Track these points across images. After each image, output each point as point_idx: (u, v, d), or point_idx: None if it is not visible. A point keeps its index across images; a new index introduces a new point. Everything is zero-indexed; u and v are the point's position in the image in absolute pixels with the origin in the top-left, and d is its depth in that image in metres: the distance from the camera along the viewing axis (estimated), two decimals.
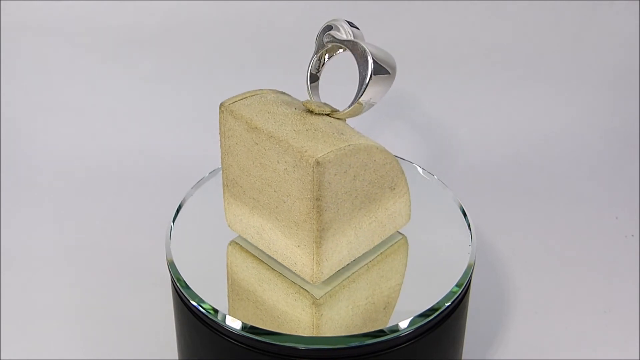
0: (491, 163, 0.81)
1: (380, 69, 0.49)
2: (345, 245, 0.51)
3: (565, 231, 0.74)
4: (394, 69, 0.50)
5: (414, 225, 0.55)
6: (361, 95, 0.49)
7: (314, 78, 0.53)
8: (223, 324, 0.49)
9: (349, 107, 0.50)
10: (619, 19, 0.84)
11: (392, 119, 0.83)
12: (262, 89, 0.53)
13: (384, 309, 0.50)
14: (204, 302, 0.50)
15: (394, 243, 0.55)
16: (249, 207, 0.53)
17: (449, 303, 0.51)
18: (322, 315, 0.50)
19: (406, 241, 0.55)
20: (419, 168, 0.62)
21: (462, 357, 0.58)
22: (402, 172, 0.52)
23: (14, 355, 0.62)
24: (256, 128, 0.50)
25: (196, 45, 0.83)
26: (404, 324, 0.49)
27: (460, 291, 0.51)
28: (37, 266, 0.69)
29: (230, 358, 0.50)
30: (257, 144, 0.50)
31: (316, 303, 0.51)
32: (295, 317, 0.50)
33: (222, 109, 0.51)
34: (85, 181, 0.79)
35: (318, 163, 0.47)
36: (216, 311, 0.50)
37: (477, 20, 0.84)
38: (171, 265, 0.53)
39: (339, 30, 0.51)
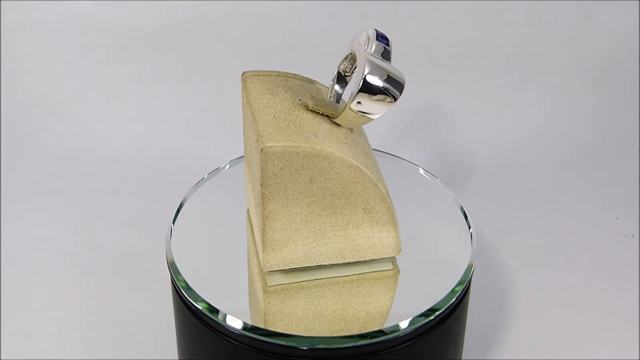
0: (491, 163, 0.81)
1: (378, 89, 0.47)
2: (300, 246, 0.50)
3: (565, 231, 0.74)
4: (396, 92, 0.47)
5: (415, 225, 0.55)
6: (345, 109, 0.48)
7: (343, 78, 0.52)
8: (223, 324, 0.49)
9: (339, 114, 0.50)
10: (618, 19, 0.84)
11: (392, 120, 0.83)
12: (296, 74, 0.53)
13: (359, 332, 0.49)
14: (204, 302, 0.50)
15: (380, 271, 0.53)
16: (248, 177, 0.54)
17: (449, 303, 0.51)
18: (269, 303, 0.50)
19: (396, 274, 0.53)
20: (420, 168, 0.62)
21: (462, 357, 0.58)
22: (384, 200, 0.50)
23: (14, 355, 0.62)
24: (248, 102, 0.51)
25: (196, 44, 0.83)
26: (404, 324, 0.49)
27: (460, 291, 0.51)
28: (37, 266, 0.69)
29: (230, 358, 0.50)
30: (247, 117, 0.51)
31: (265, 290, 0.51)
32: (256, 300, 0.51)
33: (242, 77, 0.53)
34: (85, 181, 0.78)
35: (262, 150, 0.47)
36: (216, 311, 0.50)
37: (477, 20, 0.84)
38: (171, 266, 0.53)
39: (364, 39, 0.50)
